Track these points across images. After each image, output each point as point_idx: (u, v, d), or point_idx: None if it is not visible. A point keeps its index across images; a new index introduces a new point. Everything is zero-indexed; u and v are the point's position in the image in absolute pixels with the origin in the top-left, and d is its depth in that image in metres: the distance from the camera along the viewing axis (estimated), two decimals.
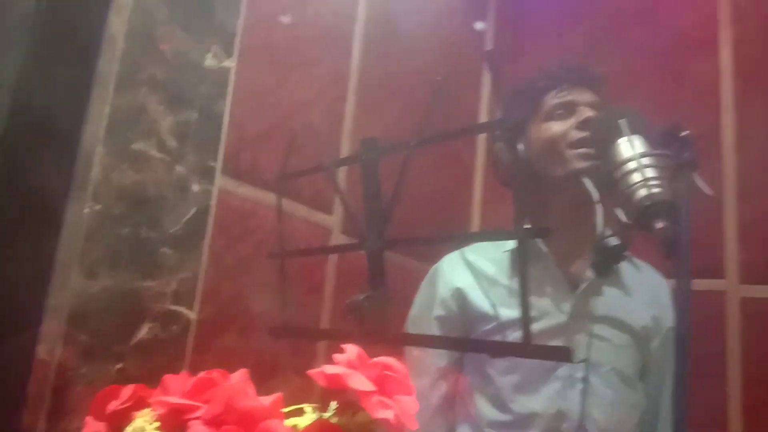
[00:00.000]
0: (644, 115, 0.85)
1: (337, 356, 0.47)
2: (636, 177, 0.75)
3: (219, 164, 1.07)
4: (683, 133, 0.74)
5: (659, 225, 0.71)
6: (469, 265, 1.05)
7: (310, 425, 0.46)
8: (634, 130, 0.80)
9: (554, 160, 0.99)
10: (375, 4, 1.50)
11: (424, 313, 1.07)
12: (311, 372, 0.45)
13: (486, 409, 0.99)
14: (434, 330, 1.04)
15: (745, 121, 1.52)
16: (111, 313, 0.87)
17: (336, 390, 0.47)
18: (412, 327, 1.09)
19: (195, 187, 1.00)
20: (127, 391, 0.52)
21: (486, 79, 1.92)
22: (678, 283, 0.69)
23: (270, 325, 0.78)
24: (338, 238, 1.36)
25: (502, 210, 1.74)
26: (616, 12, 1.74)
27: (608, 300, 0.99)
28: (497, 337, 0.97)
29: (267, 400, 0.45)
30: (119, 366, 0.88)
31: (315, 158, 0.82)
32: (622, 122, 0.81)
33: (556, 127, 1.01)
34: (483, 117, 1.92)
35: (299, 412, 0.48)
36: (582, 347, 0.95)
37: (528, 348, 0.60)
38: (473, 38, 1.95)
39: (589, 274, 0.98)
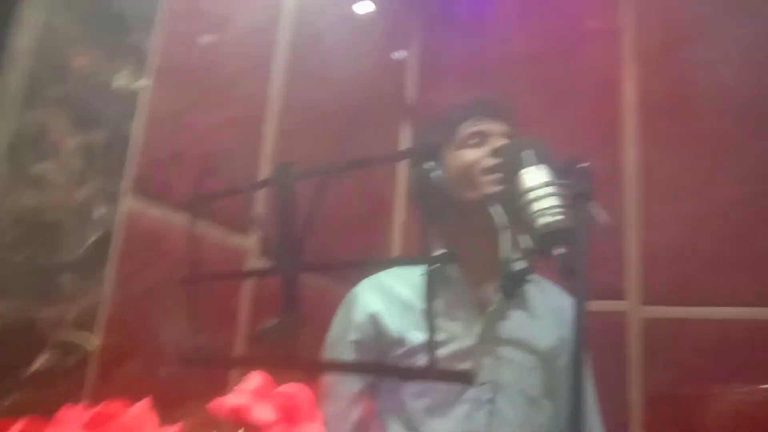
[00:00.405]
0: (548, 146, 0.90)
1: (240, 386, 0.46)
2: (538, 205, 0.80)
3: (127, 186, 1.04)
4: (581, 165, 0.79)
5: (558, 251, 0.76)
6: (385, 290, 1.07)
7: None
8: (539, 161, 0.85)
9: (468, 184, 1.03)
10: (297, 28, 1.52)
11: (341, 337, 1.08)
12: (212, 404, 0.44)
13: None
14: (350, 354, 1.05)
15: (647, 152, 1.64)
16: (4, 343, 0.82)
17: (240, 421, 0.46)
18: (329, 350, 1.10)
19: (99, 211, 0.96)
20: (17, 426, 0.50)
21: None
22: (575, 305, 0.73)
23: (180, 353, 0.76)
24: (255, 262, 1.34)
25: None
26: (529, 51, 1.84)
27: (515, 322, 1.03)
28: (409, 361, 1.00)
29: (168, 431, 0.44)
30: (11, 400, 0.82)
31: (232, 180, 0.82)
32: (528, 153, 0.86)
33: (471, 154, 1.05)
34: (405, 143, 1.96)
35: None
36: (489, 369, 0.98)
37: (432, 372, 0.61)
38: (396, 67, 2.00)
39: (498, 297, 1.02)
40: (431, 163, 1.05)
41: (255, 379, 0.47)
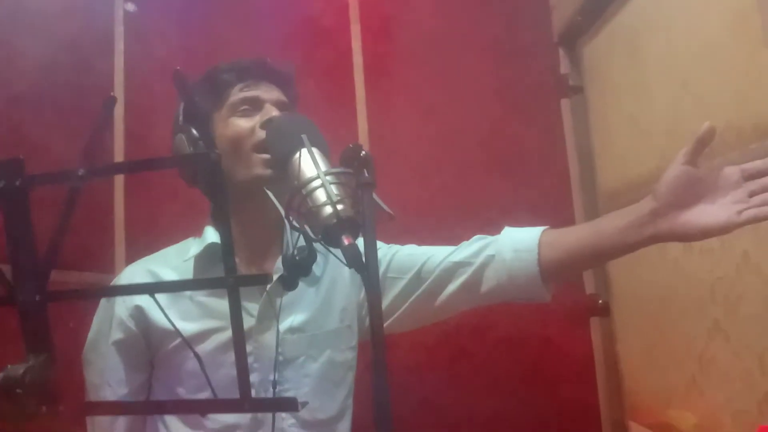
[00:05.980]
0: (317, 127, 0.85)
1: None
2: (321, 195, 0.75)
3: None
4: (363, 153, 0.77)
5: (346, 241, 0.73)
6: (152, 277, 0.96)
7: None
8: (314, 144, 0.80)
9: (238, 161, 0.94)
10: None
11: (102, 337, 0.96)
12: None
13: (176, 427, 0.92)
14: (112, 358, 0.94)
15: (372, 112, 1.73)
16: None
17: None
18: (90, 352, 0.97)
19: None
20: None
21: (120, 47, 1.72)
22: (369, 294, 0.71)
23: None
24: None
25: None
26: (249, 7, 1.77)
27: (297, 294, 0.96)
28: (183, 354, 0.92)
29: None
30: None
31: None
32: (304, 137, 0.80)
33: (242, 123, 0.95)
34: (118, 88, 1.69)
35: None
36: (272, 346, 0.93)
37: (247, 403, 0.55)
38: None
39: (276, 273, 0.96)
40: (196, 133, 0.92)
41: None
